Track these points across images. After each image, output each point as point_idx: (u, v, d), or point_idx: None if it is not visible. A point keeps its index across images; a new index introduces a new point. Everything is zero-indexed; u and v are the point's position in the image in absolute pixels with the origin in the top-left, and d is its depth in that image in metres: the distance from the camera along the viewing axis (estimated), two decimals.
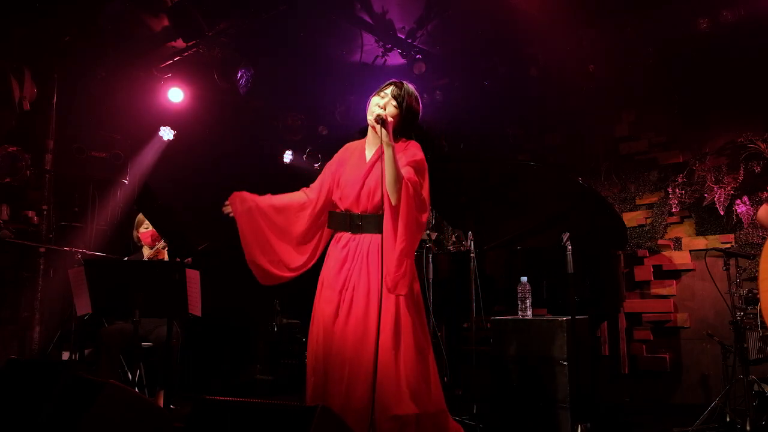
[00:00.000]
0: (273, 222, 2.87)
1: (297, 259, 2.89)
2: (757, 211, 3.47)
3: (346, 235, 2.80)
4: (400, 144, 2.78)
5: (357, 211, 2.78)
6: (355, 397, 2.57)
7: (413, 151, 2.77)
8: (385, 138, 2.60)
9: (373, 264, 2.68)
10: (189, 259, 3.99)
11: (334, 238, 2.87)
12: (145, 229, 4.35)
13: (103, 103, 5.32)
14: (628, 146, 5.32)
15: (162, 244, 4.26)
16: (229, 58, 5.18)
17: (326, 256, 2.87)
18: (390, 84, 2.84)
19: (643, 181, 5.22)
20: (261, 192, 2.96)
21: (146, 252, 4.38)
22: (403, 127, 2.82)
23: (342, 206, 2.83)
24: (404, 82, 2.86)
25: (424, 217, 2.67)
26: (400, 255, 2.58)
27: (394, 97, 2.78)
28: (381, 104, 2.78)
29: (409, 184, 2.60)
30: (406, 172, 2.65)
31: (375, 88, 2.92)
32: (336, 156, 2.99)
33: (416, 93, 2.86)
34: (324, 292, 2.78)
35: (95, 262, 4.16)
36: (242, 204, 2.84)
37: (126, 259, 4.36)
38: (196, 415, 2.21)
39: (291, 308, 5.89)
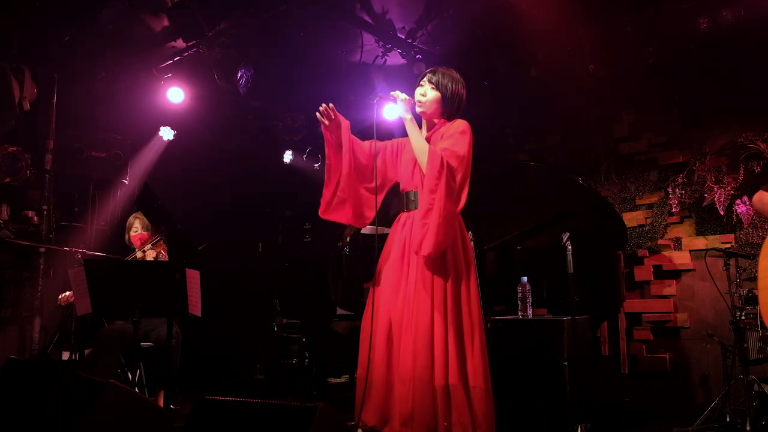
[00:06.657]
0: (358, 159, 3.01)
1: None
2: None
3: (403, 215, 2.97)
4: (440, 122, 2.95)
5: (411, 188, 2.95)
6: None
7: (454, 127, 2.90)
8: (402, 113, 2.85)
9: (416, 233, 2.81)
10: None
11: (395, 221, 3.03)
12: (135, 232, 4.40)
13: (103, 103, 5.32)
14: (628, 146, 5.31)
15: (149, 247, 4.26)
16: (229, 58, 5.18)
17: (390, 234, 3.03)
18: (426, 73, 2.97)
19: (643, 181, 5.21)
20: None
21: (138, 255, 4.39)
22: (447, 107, 2.96)
23: (402, 189, 3.01)
24: (440, 68, 2.97)
25: (453, 177, 2.78)
26: (424, 215, 2.71)
27: (430, 82, 2.93)
28: (422, 92, 2.93)
29: (444, 158, 2.75)
30: (443, 147, 2.82)
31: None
32: (395, 140, 3.15)
33: (456, 75, 2.97)
34: (386, 266, 2.93)
35: (95, 262, 4.16)
36: (343, 129, 2.99)
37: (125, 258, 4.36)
38: (196, 415, 2.21)
39: (291, 308, 5.88)
